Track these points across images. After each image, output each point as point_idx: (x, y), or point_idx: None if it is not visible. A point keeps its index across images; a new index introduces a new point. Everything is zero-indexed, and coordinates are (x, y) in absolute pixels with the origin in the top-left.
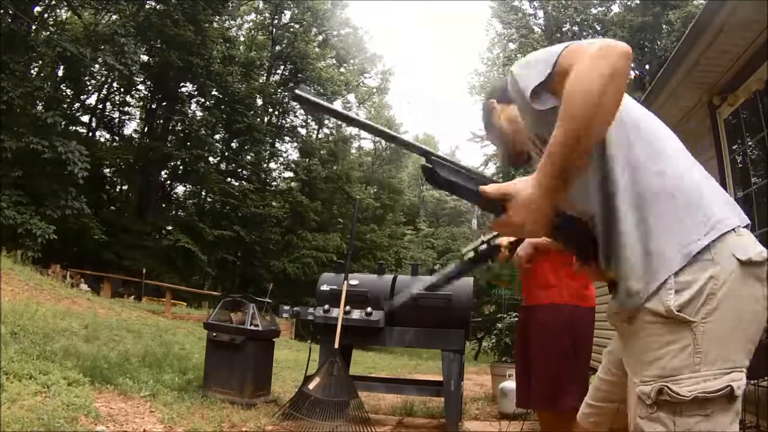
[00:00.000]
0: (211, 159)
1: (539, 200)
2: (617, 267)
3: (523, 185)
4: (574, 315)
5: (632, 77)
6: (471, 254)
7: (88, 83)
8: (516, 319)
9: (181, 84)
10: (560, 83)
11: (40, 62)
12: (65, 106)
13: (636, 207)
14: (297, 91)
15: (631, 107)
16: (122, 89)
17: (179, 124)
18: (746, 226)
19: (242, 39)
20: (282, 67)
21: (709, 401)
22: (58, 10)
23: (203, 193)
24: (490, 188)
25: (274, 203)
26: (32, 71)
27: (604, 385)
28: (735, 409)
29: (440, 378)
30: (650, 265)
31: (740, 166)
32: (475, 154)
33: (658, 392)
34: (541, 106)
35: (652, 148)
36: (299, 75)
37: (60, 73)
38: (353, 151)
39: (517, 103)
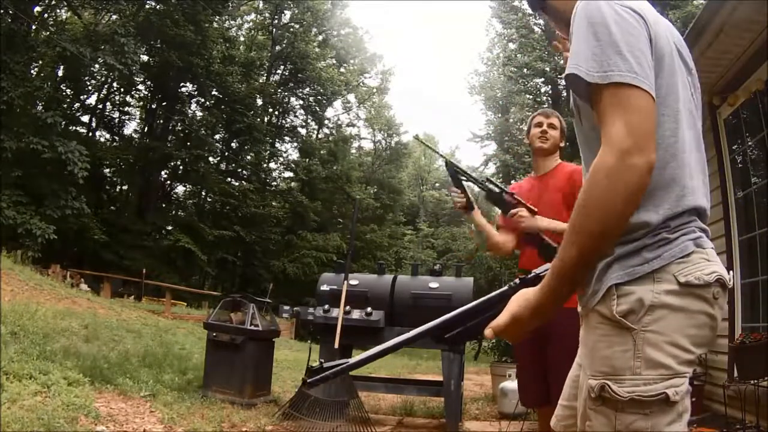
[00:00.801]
0: (211, 159)
1: (533, 320)
2: None
3: (520, 309)
4: None
5: None
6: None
7: (88, 83)
8: None
9: (181, 84)
10: None
11: (40, 62)
12: (65, 106)
13: None
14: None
15: None
16: (122, 89)
17: (179, 124)
18: (703, 233)
19: (242, 39)
20: (282, 67)
21: (646, 403)
22: (58, 10)
23: (203, 193)
24: (487, 332)
25: (274, 203)
26: (32, 71)
27: (576, 381)
28: (677, 410)
29: (440, 378)
30: (604, 270)
31: (740, 166)
32: (475, 154)
33: (601, 388)
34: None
35: None
36: (299, 75)
37: (60, 73)
38: (353, 151)
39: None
